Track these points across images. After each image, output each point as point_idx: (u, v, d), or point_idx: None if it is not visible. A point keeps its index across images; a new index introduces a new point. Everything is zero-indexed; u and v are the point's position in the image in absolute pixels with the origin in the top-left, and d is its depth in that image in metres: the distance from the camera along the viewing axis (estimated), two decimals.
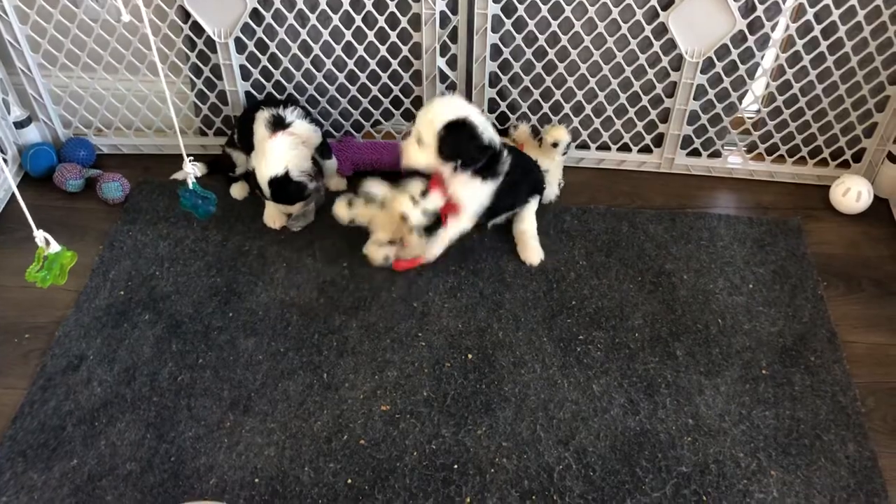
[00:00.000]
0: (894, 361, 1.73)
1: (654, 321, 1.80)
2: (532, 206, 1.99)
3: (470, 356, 1.74)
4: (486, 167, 1.78)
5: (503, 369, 1.71)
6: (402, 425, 1.61)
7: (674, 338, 1.77)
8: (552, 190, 2.08)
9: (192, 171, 1.76)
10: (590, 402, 1.65)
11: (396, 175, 1.94)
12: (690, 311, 1.82)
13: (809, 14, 1.87)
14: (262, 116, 1.90)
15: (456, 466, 1.54)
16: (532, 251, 1.94)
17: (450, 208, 1.82)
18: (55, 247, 1.47)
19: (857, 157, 2.13)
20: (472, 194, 1.81)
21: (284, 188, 1.88)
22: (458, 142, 1.73)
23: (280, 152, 1.87)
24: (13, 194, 2.12)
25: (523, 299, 1.85)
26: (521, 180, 1.91)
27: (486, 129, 1.76)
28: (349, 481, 1.52)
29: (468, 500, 1.49)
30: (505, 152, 1.82)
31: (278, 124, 1.89)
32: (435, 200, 1.80)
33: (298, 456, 1.56)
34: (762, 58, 1.98)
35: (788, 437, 1.59)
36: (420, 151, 1.76)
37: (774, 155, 2.17)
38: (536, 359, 1.73)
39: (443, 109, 1.73)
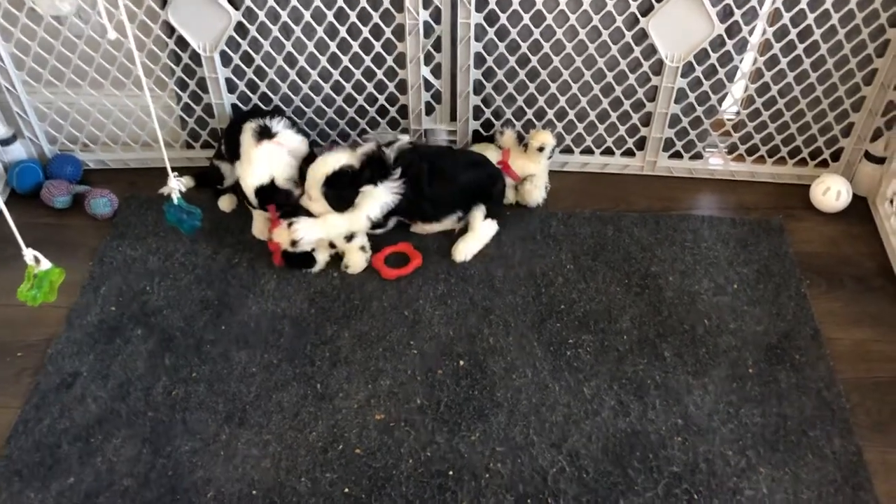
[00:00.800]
0: (877, 357, 1.77)
1: (642, 323, 1.83)
2: (476, 213, 2.01)
3: (462, 363, 1.76)
4: (371, 175, 1.88)
5: (495, 375, 1.73)
6: (397, 433, 1.63)
7: (661, 339, 1.80)
8: (539, 194, 2.11)
9: (176, 185, 1.78)
10: (581, 405, 1.67)
11: None
12: (677, 312, 1.85)
13: (786, 18, 1.90)
14: (250, 127, 1.93)
15: (451, 473, 1.56)
16: (458, 249, 1.98)
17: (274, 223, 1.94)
18: (46, 264, 1.48)
19: (836, 157, 2.17)
20: (369, 200, 1.90)
21: (270, 196, 1.90)
22: (340, 193, 1.86)
23: (265, 161, 1.89)
24: None
25: (513, 305, 1.88)
26: (453, 187, 1.97)
27: (358, 155, 1.88)
28: (346, 490, 1.54)
29: None
30: (391, 154, 1.91)
31: (265, 134, 1.91)
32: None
33: (295, 467, 1.57)
34: (741, 61, 2.02)
35: (776, 434, 1.62)
36: (314, 204, 1.89)
37: (755, 156, 2.21)
38: (527, 363, 1.75)
39: (321, 168, 1.86)
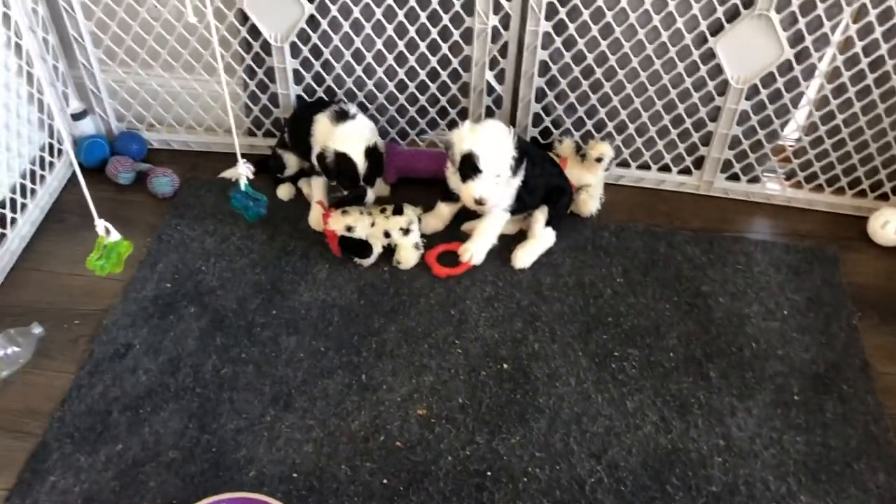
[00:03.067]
0: None
1: (689, 342, 1.82)
2: (538, 216, 2.01)
3: (505, 366, 1.77)
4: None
5: (538, 381, 1.74)
6: (438, 430, 1.64)
7: (708, 359, 1.79)
8: (594, 205, 2.11)
9: (245, 171, 1.82)
10: (623, 418, 1.67)
11: (438, 183, 2.02)
12: (725, 333, 1.84)
13: (858, 47, 1.89)
14: (325, 114, 1.99)
15: (489, 473, 1.57)
16: (517, 256, 2.00)
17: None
18: (115, 236, 1.53)
19: None
20: (506, 191, 1.91)
21: (378, 159, 1.97)
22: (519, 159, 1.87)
23: (357, 132, 1.95)
24: (66, 184, 2.18)
25: (559, 312, 1.88)
26: (539, 185, 1.99)
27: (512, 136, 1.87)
28: (384, 481, 1.55)
29: None
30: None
31: (343, 116, 1.97)
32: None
33: (336, 453, 1.60)
34: (807, 87, 2.00)
35: (819, 463, 1.60)
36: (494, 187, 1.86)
37: (813, 184, 2.19)
38: (571, 372, 1.76)
39: (495, 138, 1.86)
